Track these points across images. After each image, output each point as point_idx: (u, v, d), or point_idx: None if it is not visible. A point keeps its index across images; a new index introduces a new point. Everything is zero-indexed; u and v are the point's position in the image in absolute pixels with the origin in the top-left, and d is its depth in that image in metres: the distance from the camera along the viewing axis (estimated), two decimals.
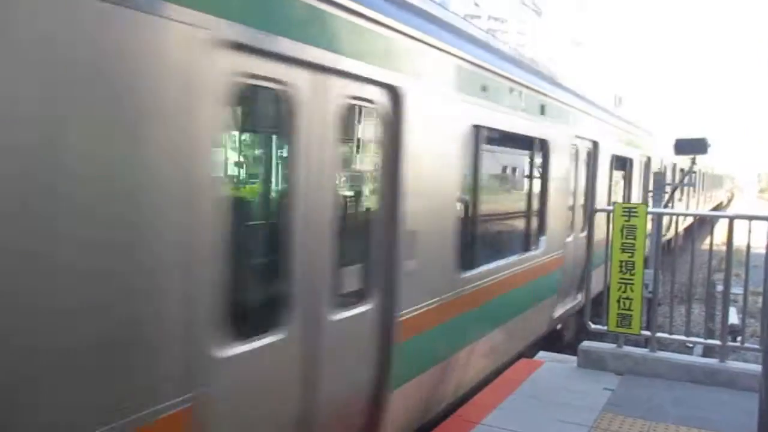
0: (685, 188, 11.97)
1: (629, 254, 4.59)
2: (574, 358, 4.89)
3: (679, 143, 6.73)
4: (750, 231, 4.48)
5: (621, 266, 4.61)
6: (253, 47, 2.25)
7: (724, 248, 5.29)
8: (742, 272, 4.97)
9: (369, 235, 3.15)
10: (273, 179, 2.86)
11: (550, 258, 5.62)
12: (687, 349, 6.79)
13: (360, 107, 3.12)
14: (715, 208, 44.96)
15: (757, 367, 4.69)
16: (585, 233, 5.69)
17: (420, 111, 3.35)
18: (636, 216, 4.58)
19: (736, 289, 8.62)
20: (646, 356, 4.63)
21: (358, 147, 3.34)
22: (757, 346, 4.59)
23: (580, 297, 6.56)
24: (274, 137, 2.84)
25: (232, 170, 2.71)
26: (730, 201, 56.94)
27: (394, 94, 3.14)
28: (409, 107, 3.22)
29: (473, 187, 4.18)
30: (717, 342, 4.70)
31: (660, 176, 7.80)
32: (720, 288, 8.93)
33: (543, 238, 5.42)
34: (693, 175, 6.86)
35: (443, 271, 3.66)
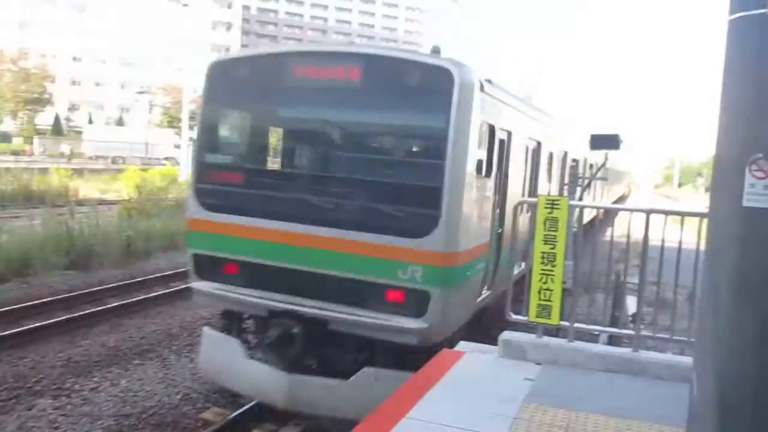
0: (593, 182, 12.47)
1: (551, 246, 4.64)
2: (495, 348, 4.91)
3: (594, 139, 6.87)
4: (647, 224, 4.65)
5: (543, 258, 4.66)
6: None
7: (624, 240, 5.52)
8: (639, 263, 5.10)
9: None
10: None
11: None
12: (594, 338, 7.01)
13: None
14: (616, 202, 47.28)
15: (666, 356, 4.90)
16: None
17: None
18: (558, 208, 4.63)
19: (634, 279, 9.04)
20: (565, 346, 4.71)
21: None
22: (666, 336, 4.76)
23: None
24: None
25: None
26: (628, 195, 60.27)
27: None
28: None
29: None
30: (631, 332, 4.84)
31: (575, 170, 8.02)
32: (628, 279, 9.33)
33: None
34: (605, 169, 7.06)
35: None
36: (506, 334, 4.89)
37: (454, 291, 5.27)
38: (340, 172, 5.96)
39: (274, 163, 7.25)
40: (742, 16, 2.06)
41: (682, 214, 4.80)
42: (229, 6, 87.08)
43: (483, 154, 5.62)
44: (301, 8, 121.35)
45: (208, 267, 5.92)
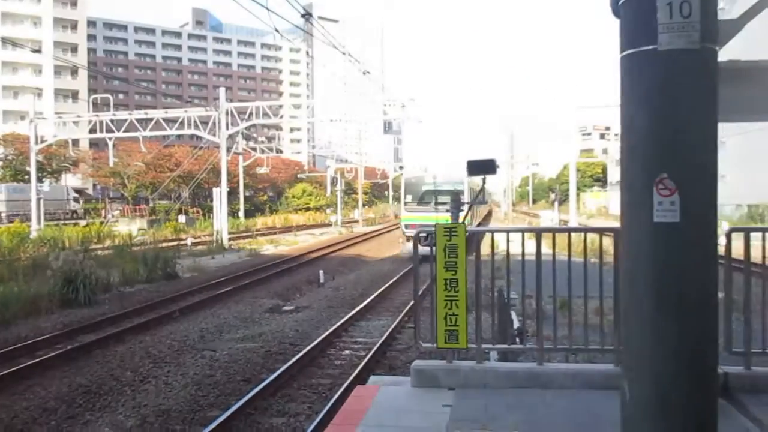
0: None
1: (452, 272, 4.78)
2: (407, 378, 4.94)
3: (471, 164, 7.18)
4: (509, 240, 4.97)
5: (446, 284, 4.78)
6: None
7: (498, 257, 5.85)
8: (515, 279, 5.40)
9: None
10: None
11: None
12: (486, 356, 7.27)
13: None
14: (482, 221, 49.79)
15: (568, 366, 5.18)
16: None
17: None
18: (456, 235, 4.79)
19: (513, 294, 9.57)
20: (475, 368, 4.84)
21: None
22: (566, 347, 5.06)
23: None
24: None
25: None
26: (490, 214, 63.86)
27: None
28: None
29: None
30: (532, 346, 5.07)
31: (457, 196, 8.35)
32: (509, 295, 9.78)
33: None
34: (483, 194, 7.44)
35: None
36: (418, 363, 4.94)
37: None
38: None
39: None
40: (634, 52, 2.27)
41: (597, 231, 5.12)
42: (74, 50, 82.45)
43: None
44: (152, 49, 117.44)
45: None
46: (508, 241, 5.19)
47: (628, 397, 2.34)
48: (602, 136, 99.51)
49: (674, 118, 2.21)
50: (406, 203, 24.55)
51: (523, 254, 5.18)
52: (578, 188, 58.84)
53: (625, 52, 2.32)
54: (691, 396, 2.21)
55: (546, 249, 4.99)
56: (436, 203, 21.45)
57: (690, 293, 2.22)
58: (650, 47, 2.22)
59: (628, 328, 2.34)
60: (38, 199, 36.77)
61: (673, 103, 2.22)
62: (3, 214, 44.28)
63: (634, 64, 2.29)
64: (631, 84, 2.31)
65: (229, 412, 6.99)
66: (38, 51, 27.41)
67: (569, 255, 4.88)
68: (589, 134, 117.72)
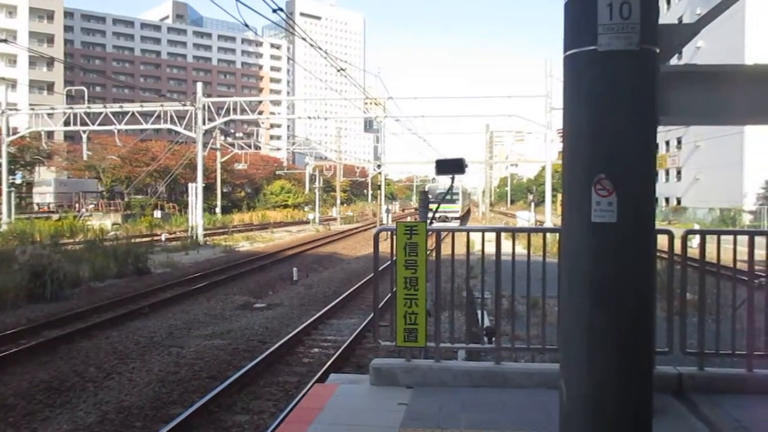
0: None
1: (412, 271, 4.78)
2: (367, 377, 4.93)
3: (439, 163, 7.17)
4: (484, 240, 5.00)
5: (406, 282, 4.78)
6: None
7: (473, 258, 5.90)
8: (488, 279, 5.43)
9: None
10: None
11: None
12: (453, 355, 7.29)
13: None
14: (462, 220, 50.13)
15: (523, 365, 5.21)
16: None
17: None
18: (417, 233, 4.79)
19: (487, 294, 9.65)
20: (433, 366, 4.84)
21: None
22: (524, 346, 5.09)
23: None
24: None
25: None
26: (468, 213, 64.28)
27: None
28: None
29: None
30: (492, 346, 5.09)
31: (425, 194, 8.34)
32: (477, 295, 9.83)
33: None
34: (451, 193, 7.42)
35: None
36: (376, 362, 4.93)
37: None
38: None
39: None
40: (576, 52, 2.28)
41: (543, 231, 5.15)
42: (50, 41, 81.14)
43: None
44: (131, 42, 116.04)
45: None
46: (468, 241, 5.20)
47: (564, 395, 2.34)
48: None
49: (613, 119, 2.22)
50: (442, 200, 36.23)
51: (483, 254, 5.21)
52: (555, 189, 59.40)
53: (568, 52, 2.32)
54: (625, 395, 2.22)
55: (520, 249, 5.01)
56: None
57: (626, 293, 2.23)
58: (591, 48, 2.22)
59: (565, 327, 2.34)
60: (9, 192, 36.13)
61: (612, 104, 2.22)
62: (52, 205, 48.28)
63: (575, 64, 2.29)
64: (572, 84, 2.32)
65: (191, 410, 6.92)
66: (6, 41, 26.88)
67: (528, 254, 4.90)
68: None
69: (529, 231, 5.89)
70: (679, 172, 55.56)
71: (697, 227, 30.84)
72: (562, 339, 2.44)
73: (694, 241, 5.20)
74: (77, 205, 51.87)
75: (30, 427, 6.81)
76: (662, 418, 3.90)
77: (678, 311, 4.68)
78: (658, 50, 2.27)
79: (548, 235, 5.33)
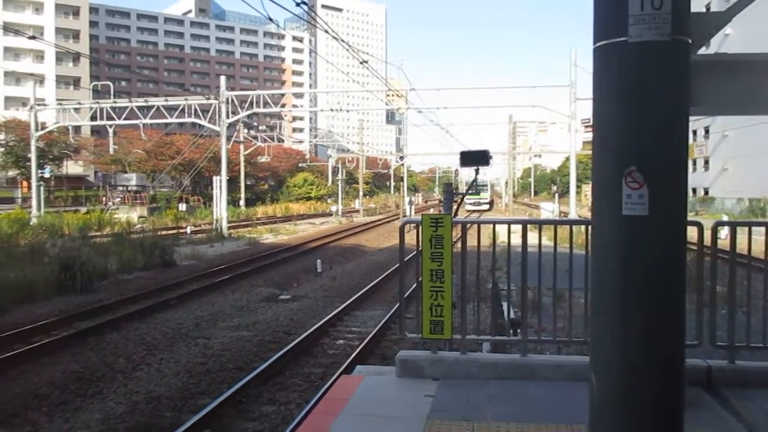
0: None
1: (438, 263, 4.78)
2: (392, 368, 4.96)
3: (464, 155, 7.17)
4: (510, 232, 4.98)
5: (431, 275, 4.78)
6: None
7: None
8: (514, 271, 5.41)
9: None
10: None
11: None
12: (477, 347, 7.29)
13: None
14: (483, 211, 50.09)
15: (551, 358, 5.19)
16: None
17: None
18: (442, 226, 4.78)
19: (513, 286, 9.62)
20: (459, 359, 4.85)
21: None
22: (551, 338, 5.08)
23: None
24: None
25: None
26: (492, 205, 64.14)
27: None
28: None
29: None
30: (518, 338, 5.08)
31: (449, 186, 8.34)
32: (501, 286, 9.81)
33: None
34: (476, 185, 7.41)
35: None
36: (402, 354, 4.95)
37: None
38: None
39: None
40: (606, 44, 2.26)
41: (582, 222, 5.13)
42: (76, 36, 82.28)
43: None
44: (154, 36, 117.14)
45: None
46: (494, 233, 5.19)
47: (595, 388, 2.34)
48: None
49: (644, 111, 2.20)
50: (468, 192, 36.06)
51: (509, 246, 5.19)
52: (580, 180, 58.73)
53: (597, 44, 2.30)
54: (656, 388, 2.21)
55: (545, 241, 5.00)
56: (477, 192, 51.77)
57: (657, 286, 2.22)
58: (621, 39, 2.20)
59: (595, 320, 2.34)
60: (38, 186, 36.80)
61: (643, 96, 2.20)
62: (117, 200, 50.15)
63: (605, 55, 2.27)
64: (602, 76, 2.30)
65: (219, 400, 7.03)
66: (35, 38, 27.36)
67: (555, 247, 4.87)
68: (593, 126, 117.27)
69: (555, 223, 5.86)
70: (706, 162, 54.61)
71: (725, 218, 30.31)
72: (591, 332, 2.44)
73: (723, 233, 5.13)
74: (104, 198, 52.70)
75: (63, 417, 6.97)
76: (692, 411, 3.86)
77: (708, 304, 4.62)
78: (690, 41, 2.24)
79: (573, 226, 5.30)
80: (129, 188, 50.81)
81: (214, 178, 34.69)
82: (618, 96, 2.24)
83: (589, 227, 4.94)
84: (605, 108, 2.29)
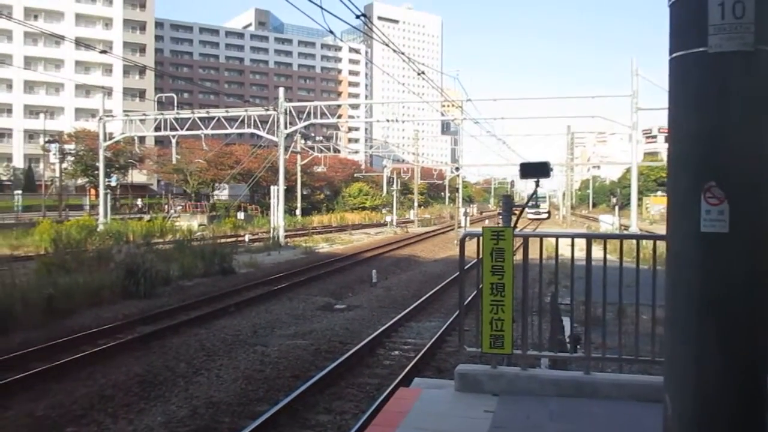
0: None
1: (499, 276, 4.72)
2: (451, 382, 4.91)
3: (524, 167, 7.06)
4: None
5: (492, 288, 4.72)
6: None
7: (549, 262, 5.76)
8: (568, 283, 5.30)
9: None
10: None
11: None
12: (535, 363, 7.14)
13: None
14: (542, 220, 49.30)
15: (614, 376, 5.04)
16: None
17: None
18: (503, 239, 4.72)
19: (566, 300, 9.39)
20: (520, 374, 4.76)
21: None
22: (615, 356, 4.93)
23: None
24: None
25: None
26: (549, 215, 63.27)
27: None
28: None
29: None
30: (579, 355, 4.95)
31: (508, 198, 8.24)
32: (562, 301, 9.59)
33: None
34: (536, 197, 7.29)
35: None
36: (462, 368, 4.90)
37: None
38: None
39: None
40: (683, 54, 2.19)
41: (650, 237, 5.00)
42: (142, 50, 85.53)
43: None
44: (216, 50, 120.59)
45: None
46: (557, 246, 5.10)
47: (670, 411, 2.25)
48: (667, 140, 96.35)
49: (724, 124, 2.11)
50: (529, 204, 43.66)
51: (572, 260, 5.07)
52: (641, 192, 57.14)
53: (674, 54, 2.23)
54: (737, 414, 2.11)
55: (607, 255, 4.87)
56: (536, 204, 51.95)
57: (738, 307, 2.12)
58: (700, 49, 2.13)
59: (670, 340, 2.25)
60: (105, 194, 38.27)
61: (723, 108, 2.12)
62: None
63: (683, 66, 2.20)
64: (679, 88, 2.23)
65: (276, 408, 7.10)
66: (106, 52, 28.57)
67: (621, 261, 4.74)
68: (654, 137, 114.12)
69: (621, 237, 5.70)
70: None
71: None
72: (666, 352, 2.35)
73: None
74: (166, 207, 54.36)
75: (127, 418, 7.18)
76: None
77: None
78: None
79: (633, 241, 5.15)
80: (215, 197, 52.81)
81: (272, 187, 35.33)
82: (696, 108, 2.16)
83: (659, 242, 4.81)
84: (683, 120, 2.22)
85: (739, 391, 2.11)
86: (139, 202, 59.46)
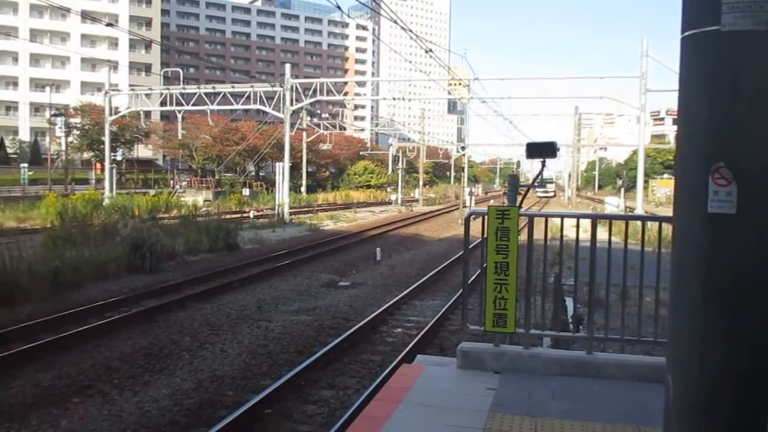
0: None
1: (503, 255, 4.73)
2: (453, 360, 4.95)
3: (530, 147, 7.00)
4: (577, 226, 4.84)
5: (496, 267, 4.73)
6: None
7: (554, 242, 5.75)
8: (573, 264, 5.29)
9: None
10: None
11: None
12: (537, 342, 7.17)
13: None
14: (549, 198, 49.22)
15: (617, 356, 5.06)
16: None
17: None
18: (509, 218, 4.72)
19: (569, 281, 9.42)
20: (522, 353, 4.79)
21: None
22: (618, 337, 4.95)
23: None
24: None
25: None
26: (554, 194, 63.26)
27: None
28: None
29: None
30: (582, 334, 4.98)
31: (514, 178, 8.21)
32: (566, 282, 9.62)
33: None
34: (542, 178, 7.26)
35: None
36: (464, 345, 4.93)
37: None
38: None
39: None
40: (696, 33, 2.15)
41: (656, 219, 5.00)
42: (148, 24, 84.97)
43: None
44: (222, 24, 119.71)
45: None
46: (562, 227, 5.10)
47: (672, 392, 2.26)
48: (675, 122, 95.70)
49: (736, 105, 2.09)
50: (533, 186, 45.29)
51: (577, 241, 5.09)
52: (647, 175, 56.87)
53: (686, 33, 2.20)
54: (741, 396, 2.11)
55: (612, 237, 4.88)
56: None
57: (744, 288, 2.12)
58: (713, 28, 2.10)
59: (674, 320, 2.25)
60: (111, 168, 38.32)
61: (735, 89, 2.09)
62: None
63: (694, 45, 2.17)
64: (690, 67, 2.20)
65: (280, 382, 7.18)
66: (112, 25, 28.43)
67: (626, 243, 4.74)
68: (662, 119, 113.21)
69: (626, 218, 5.69)
70: None
71: None
72: (669, 333, 2.35)
73: None
74: (171, 182, 54.42)
75: (133, 390, 7.27)
76: None
77: None
78: None
79: (638, 222, 5.14)
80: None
81: (277, 164, 35.32)
82: (708, 88, 2.13)
83: (664, 224, 4.81)
84: (693, 101, 2.19)
85: (743, 375, 2.11)
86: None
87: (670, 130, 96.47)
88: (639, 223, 5.48)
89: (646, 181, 37.39)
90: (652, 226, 7.20)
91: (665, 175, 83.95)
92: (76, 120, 59.04)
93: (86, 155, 63.69)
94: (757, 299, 2.13)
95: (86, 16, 30.79)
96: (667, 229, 5.42)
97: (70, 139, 54.84)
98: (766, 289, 2.17)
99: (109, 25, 27.14)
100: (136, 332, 9.74)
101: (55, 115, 54.46)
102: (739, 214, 2.09)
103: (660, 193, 71.63)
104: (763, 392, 2.19)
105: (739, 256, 2.11)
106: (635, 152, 47.94)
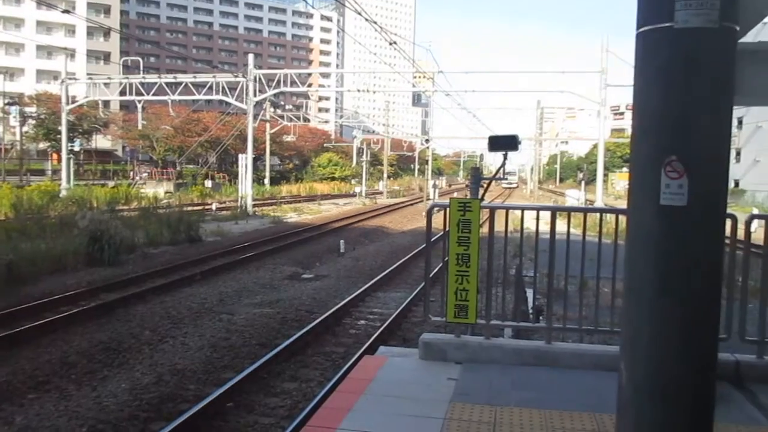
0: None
1: (465, 247, 4.77)
2: (415, 351, 4.98)
3: (492, 140, 7.06)
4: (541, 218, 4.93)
5: (458, 259, 4.78)
6: None
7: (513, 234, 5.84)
8: (533, 256, 5.40)
9: None
10: None
11: None
12: (498, 333, 7.27)
13: None
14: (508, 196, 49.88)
15: (574, 346, 5.16)
16: None
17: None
18: (470, 210, 4.76)
19: (530, 272, 9.58)
20: (483, 343, 4.85)
21: None
22: (576, 327, 5.06)
23: None
24: None
25: None
26: (517, 186, 64.19)
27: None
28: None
29: None
30: (542, 325, 5.06)
31: (477, 170, 8.28)
32: (526, 273, 9.76)
33: None
34: (503, 171, 7.33)
35: None
36: (426, 336, 4.97)
37: None
38: None
39: None
40: (651, 29, 2.20)
41: (612, 211, 5.09)
42: (107, 11, 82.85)
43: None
44: (184, 13, 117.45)
45: None
46: (522, 219, 5.17)
47: (624, 379, 2.32)
48: None
49: (687, 99, 2.15)
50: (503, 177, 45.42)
51: (537, 233, 5.17)
52: (607, 168, 57.98)
53: (641, 29, 2.24)
54: (688, 383, 2.18)
55: (571, 229, 4.97)
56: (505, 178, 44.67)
57: (693, 278, 2.18)
58: (667, 24, 2.15)
59: (627, 309, 2.31)
60: (68, 159, 37.37)
61: (687, 84, 2.15)
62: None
63: (649, 41, 2.22)
64: (645, 62, 2.25)
65: (242, 375, 7.13)
66: (68, 11, 27.67)
67: (584, 235, 4.83)
68: (622, 114, 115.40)
69: (585, 211, 5.80)
70: (738, 154, 53.53)
71: (756, 211, 29.72)
72: (623, 322, 2.41)
73: (753, 226, 5.03)
74: (131, 173, 53.34)
75: (91, 385, 7.14)
76: (719, 406, 3.82)
77: (738, 298, 4.55)
78: (738, 28, 2.18)
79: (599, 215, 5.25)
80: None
81: (240, 156, 34.91)
82: (661, 83, 2.19)
83: (621, 217, 4.91)
84: (647, 95, 2.25)
85: (692, 360, 2.18)
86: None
87: (629, 124, 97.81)
88: (598, 215, 5.61)
89: (606, 175, 38.14)
90: (610, 218, 7.35)
91: (624, 169, 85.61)
92: (31, 109, 57.25)
93: (42, 145, 61.85)
94: (706, 289, 2.21)
95: (42, 2, 29.84)
96: (625, 221, 5.55)
97: (25, 128, 53.18)
98: (714, 280, 2.24)
99: (65, 11, 26.39)
100: (95, 326, 9.55)
101: (9, 104, 52.74)
102: (689, 206, 2.15)
103: (619, 186, 73.08)
104: (711, 379, 2.27)
105: (690, 247, 2.17)
106: (596, 146, 48.83)
